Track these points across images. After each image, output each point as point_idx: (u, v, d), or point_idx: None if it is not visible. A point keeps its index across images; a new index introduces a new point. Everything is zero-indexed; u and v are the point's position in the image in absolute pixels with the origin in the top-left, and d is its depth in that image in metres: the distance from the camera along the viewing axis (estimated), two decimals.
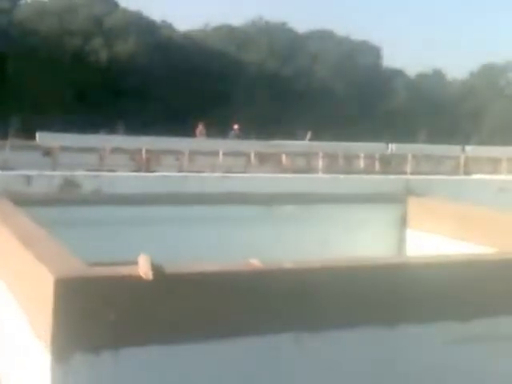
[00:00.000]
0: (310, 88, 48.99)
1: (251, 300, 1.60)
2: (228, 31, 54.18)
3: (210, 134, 21.15)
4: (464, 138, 32.97)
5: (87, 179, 3.02)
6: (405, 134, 36.29)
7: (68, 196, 2.86)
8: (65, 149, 11.61)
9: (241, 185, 3.42)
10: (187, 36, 51.19)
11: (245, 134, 20.96)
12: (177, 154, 11.33)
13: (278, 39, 53.34)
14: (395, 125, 44.37)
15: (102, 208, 2.93)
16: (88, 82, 41.34)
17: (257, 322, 1.61)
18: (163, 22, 53.73)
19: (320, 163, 12.45)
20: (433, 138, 28.15)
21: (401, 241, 3.68)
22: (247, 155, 11.49)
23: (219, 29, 54.93)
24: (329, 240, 3.46)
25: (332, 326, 1.68)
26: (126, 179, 3.27)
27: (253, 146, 12.15)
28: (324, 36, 57.77)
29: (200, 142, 12.71)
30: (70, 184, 2.94)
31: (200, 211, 3.23)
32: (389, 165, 14.61)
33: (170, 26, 53.89)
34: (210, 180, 3.48)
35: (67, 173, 3.06)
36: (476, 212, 3.31)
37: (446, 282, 1.82)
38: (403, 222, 3.66)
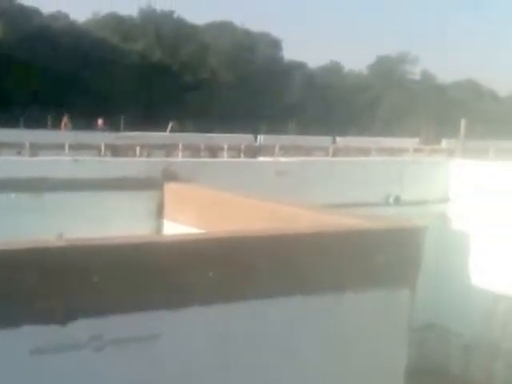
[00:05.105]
0: (198, 78, 48.42)
1: None
2: (115, 20, 52.50)
3: (77, 126, 20.13)
4: (359, 130, 33.63)
5: None
6: (300, 125, 36.47)
7: None
8: None
9: None
10: (71, 25, 49.11)
11: (114, 128, 20.08)
12: (19, 147, 10.49)
13: (165, 29, 52.22)
14: (290, 116, 44.61)
15: None
16: None
17: None
18: (46, 9, 51.24)
19: (180, 155, 11.99)
20: (315, 130, 28.42)
21: (158, 233, 3.25)
22: (99, 148, 10.84)
23: (106, 18, 53.18)
24: (69, 234, 2.97)
25: None
26: None
27: (105, 139, 11.50)
28: (222, 27, 57.22)
29: (45, 134, 11.88)
30: None
31: None
32: (255, 156, 14.36)
33: (56, 15, 51.55)
34: None
35: None
36: (237, 200, 2.92)
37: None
38: (160, 212, 3.23)
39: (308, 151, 15.52)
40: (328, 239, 1.81)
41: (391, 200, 4.28)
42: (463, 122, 16.37)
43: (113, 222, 3.11)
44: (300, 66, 60.87)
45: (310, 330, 1.76)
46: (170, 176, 3.26)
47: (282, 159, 3.71)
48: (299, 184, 3.59)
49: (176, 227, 3.09)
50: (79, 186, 3.07)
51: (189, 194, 3.13)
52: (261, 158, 3.85)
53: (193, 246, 1.59)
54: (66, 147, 10.43)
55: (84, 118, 23.84)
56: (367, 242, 1.86)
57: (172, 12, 56.54)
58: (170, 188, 3.20)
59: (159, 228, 3.21)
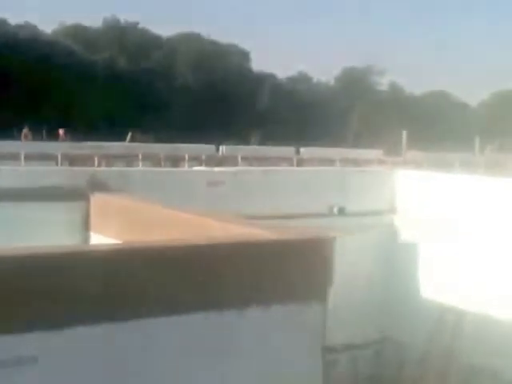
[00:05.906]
0: (166, 87, 48.17)
1: None
2: (79, 30, 52.17)
3: (38, 137, 19.78)
4: (330, 140, 33.70)
5: None
6: (271, 134, 36.30)
7: None
8: None
9: None
10: (38, 35, 48.55)
11: (77, 139, 19.73)
12: None
13: (130, 39, 52.05)
14: (260, 126, 44.49)
15: None
16: None
17: None
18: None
19: (140, 165, 11.84)
20: (285, 140, 28.34)
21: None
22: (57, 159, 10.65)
23: (74, 28, 52.82)
24: None
25: None
26: None
27: (62, 149, 11.30)
28: (188, 38, 57.17)
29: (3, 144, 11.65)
30: None
31: None
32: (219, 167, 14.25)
33: (23, 25, 50.95)
34: None
35: None
36: (162, 212, 2.81)
37: None
38: (86, 224, 3.11)
39: (272, 162, 15.47)
40: (231, 251, 1.73)
41: (335, 211, 4.21)
42: (405, 133, 16.49)
43: (35, 233, 2.97)
44: (269, 77, 61.06)
45: (212, 348, 1.66)
46: (97, 186, 3.14)
47: (216, 169, 3.63)
48: (233, 194, 3.50)
49: (102, 239, 2.97)
50: None
51: (115, 205, 3.02)
52: (195, 168, 3.76)
53: (71, 261, 1.48)
54: (22, 157, 10.22)
55: (46, 129, 23.46)
56: (272, 253, 1.77)
57: (136, 23, 56.51)
58: (96, 198, 3.08)
59: (86, 240, 3.09)
